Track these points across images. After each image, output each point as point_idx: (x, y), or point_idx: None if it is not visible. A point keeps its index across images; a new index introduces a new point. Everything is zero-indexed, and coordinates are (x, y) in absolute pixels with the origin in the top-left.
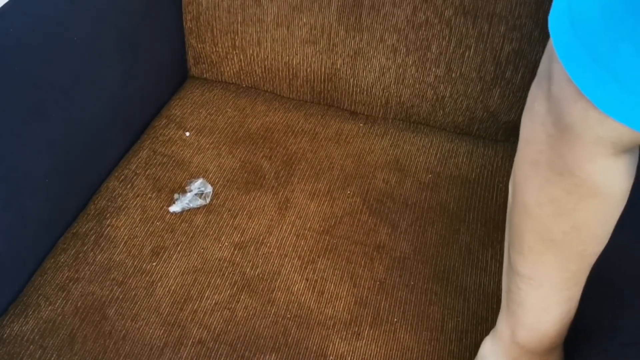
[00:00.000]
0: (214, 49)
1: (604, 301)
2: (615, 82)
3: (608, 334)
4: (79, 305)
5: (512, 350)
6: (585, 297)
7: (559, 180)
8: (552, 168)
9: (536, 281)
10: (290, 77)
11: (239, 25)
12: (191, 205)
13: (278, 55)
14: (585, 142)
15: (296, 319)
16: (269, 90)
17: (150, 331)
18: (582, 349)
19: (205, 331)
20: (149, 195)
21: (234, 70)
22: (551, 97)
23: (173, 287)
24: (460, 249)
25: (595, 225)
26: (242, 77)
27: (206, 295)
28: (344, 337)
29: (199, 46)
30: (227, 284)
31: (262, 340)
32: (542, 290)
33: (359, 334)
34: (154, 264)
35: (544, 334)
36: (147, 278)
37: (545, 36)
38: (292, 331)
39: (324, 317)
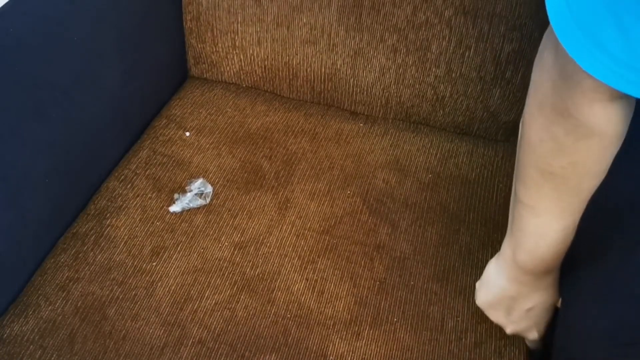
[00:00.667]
0: (214, 49)
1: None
2: (599, 49)
3: (608, 334)
4: (79, 305)
5: (513, 270)
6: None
7: (560, 121)
8: (554, 110)
9: (536, 210)
10: (290, 77)
11: (239, 25)
12: (191, 205)
13: (278, 55)
14: (583, 89)
15: (296, 318)
16: (269, 90)
17: (151, 331)
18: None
19: (206, 331)
20: (149, 195)
21: (234, 70)
22: (558, 50)
23: (173, 287)
24: (460, 249)
25: (590, 163)
26: (242, 77)
27: (206, 295)
28: (344, 337)
29: (199, 46)
30: (227, 284)
31: (262, 340)
32: (541, 218)
33: (359, 334)
34: (154, 264)
35: (540, 257)
36: (147, 278)
37: None
38: (292, 331)
39: (324, 317)
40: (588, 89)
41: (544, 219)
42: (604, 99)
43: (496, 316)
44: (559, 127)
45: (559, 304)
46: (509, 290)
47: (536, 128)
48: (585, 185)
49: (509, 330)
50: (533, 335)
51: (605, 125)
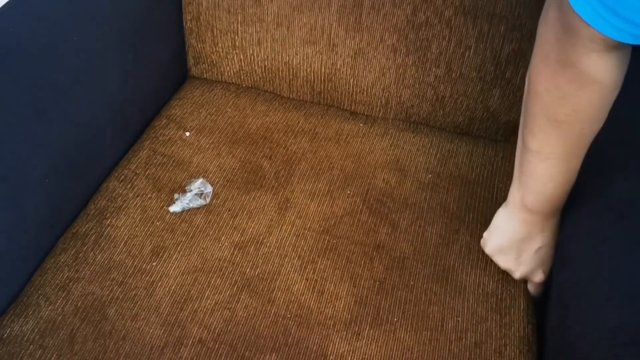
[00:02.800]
0: (214, 49)
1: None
2: (596, 0)
3: (608, 334)
4: (79, 305)
5: (522, 213)
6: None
7: (563, 71)
8: (558, 61)
9: (543, 155)
10: (290, 77)
11: (239, 25)
12: (191, 205)
13: (278, 55)
14: (583, 40)
15: (296, 318)
16: (269, 90)
17: (151, 331)
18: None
19: (206, 331)
20: (149, 195)
21: (234, 70)
22: (562, 6)
23: (173, 287)
24: (460, 249)
25: (591, 109)
26: (242, 77)
27: (206, 295)
28: (344, 336)
29: (199, 46)
30: (227, 283)
31: (262, 340)
32: (548, 162)
33: (359, 334)
34: (154, 264)
35: (548, 197)
36: (147, 278)
37: None
38: (292, 331)
39: (324, 317)
40: (587, 40)
41: (551, 162)
42: (600, 49)
43: (505, 261)
44: (562, 77)
45: None
46: (520, 232)
47: (542, 80)
48: (587, 130)
49: (517, 274)
50: (539, 276)
51: (602, 73)
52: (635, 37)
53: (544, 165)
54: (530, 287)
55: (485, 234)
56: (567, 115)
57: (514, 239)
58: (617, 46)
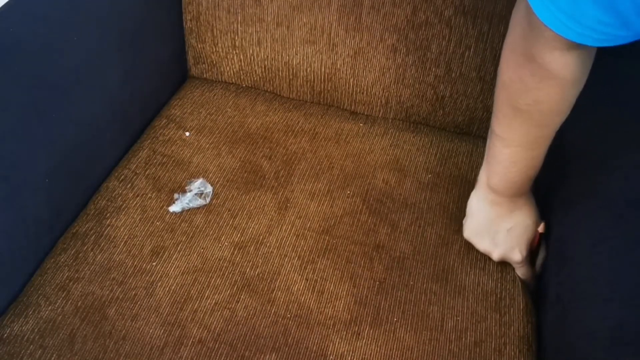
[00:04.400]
0: (214, 49)
1: None
2: (553, 5)
3: (609, 334)
4: (79, 305)
5: (489, 194)
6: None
7: (527, 64)
8: (523, 54)
9: (507, 140)
10: (290, 77)
11: (239, 25)
12: (191, 205)
13: (278, 55)
14: (546, 38)
15: (296, 318)
16: (269, 90)
17: (151, 331)
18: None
19: (206, 331)
20: (149, 195)
21: (234, 70)
22: (528, 5)
23: (173, 287)
24: (460, 249)
25: (551, 102)
26: (242, 77)
27: (206, 295)
28: (343, 336)
29: (199, 46)
30: (227, 283)
31: (262, 340)
32: (511, 148)
33: (359, 334)
34: (154, 263)
35: (511, 180)
36: (147, 278)
37: None
38: (292, 331)
39: (323, 316)
40: (549, 38)
41: (513, 149)
42: (562, 48)
43: (483, 244)
44: (525, 69)
45: (541, 229)
46: (490, 212)
47: (508, 70)
48: (548, 121)
49: (495, 255)
50: (517, 256)
51: (563, 70)
52: (597, 41)
53: (507, 151)
54: (518, 271)
55: (464, 220)
56: (528, 105)
57: (486, 221)
58: (579, 45)
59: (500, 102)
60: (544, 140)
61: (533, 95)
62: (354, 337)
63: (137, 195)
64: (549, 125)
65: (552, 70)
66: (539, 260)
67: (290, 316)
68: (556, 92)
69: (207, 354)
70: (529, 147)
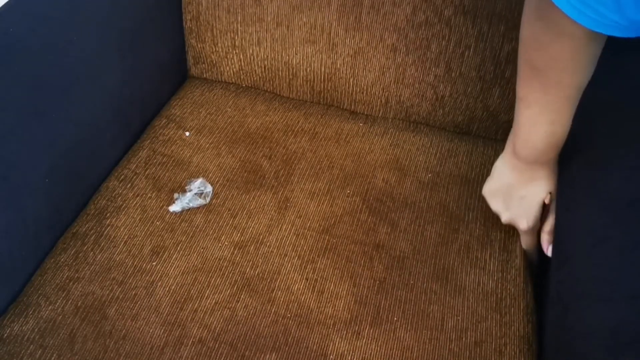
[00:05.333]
0: (214, 49)
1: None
2: None
3: (609, 334)
4: (79, 305)
5: (513, 159)
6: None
7: (540, 20)
8: (536, 10)
9: (527, 101)
10: (290, 76)
11: (239, 25)
12: (191, 204)
13: (278, 55)
14: None
15: (296, 318)
16: (268, 90)
17: (151, 331)
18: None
19: (206, 330)
20: (149, 195)
21: (234, 70)
22: None
23: (173, 287)
24: (460, 248)
25: (566, 60)
26: (242, 77)
27: (206, 294)
28: (344, 336)
29: (199, 46)
30: (227, 283)
31: (262, 340)
32: (531, 109)
33: (359, 333)
34: (154, 263)
35: (531, 145)
36: (147, 278)
37: None
38: (292, 330)
39: (324, 316)
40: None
41: (533, 110)
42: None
43: (496, 203)
44: (539, 26)
45: (547, 200)
46: (509, 178)
47: (524, 26)
48: (565, 80)
49: (504, 217)
50: (523, 224)
51: (574, 26)
52: (592, 21)
53: (527, 112)
54: (522, 239)
55: (487, 179)
56: (544, 63)
57: (503, 184)
58: None
59: (520, 62)
60: (564, 102)
61: (548, 53)
62: (354, 337)
63: (137, 195)
64: (567, 86)
65: (563, 26)
66: (547, 227)
67: (291, 316)
68: (570, 49)
69: (207, 353)
70: (548, 108)
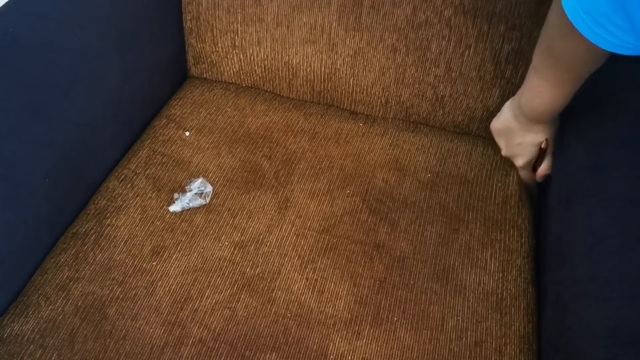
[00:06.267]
0: (214, 49)
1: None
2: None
3: (609, 333)
4: (79, 304)
5: (516, 109)
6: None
7: (564, 16)
8: (563, 21)
9: (539, 72)
10: (290, 76)
11: (239, 25)
12: (191, 204)
13: (278, 55)
14: None
15: (296, 318)
16: (268, 90)
17: (151, 330)
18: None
19: (206, 330)
20: (149, 194)
21: (234, 70)
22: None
23: (173, 287)
24: (460, 248)
25: (579, 53)
26: (242, 77)
27: (206, 294)
28: (344, 336)
29: (199, 46)
30: (227, 283)
31: (262, 340)
32: (540, 80)
33: (359, 333)
34: (154, 263)
35: (533, 107)
36: (147, 277)
37: None
38: (293, 330)
39: (324, 316)
40: None
41: (541, 81)
42: None
43: (498, 140)
44: (563, 19)
45: (543, 145)
46: (511, 123)
47: (553, 14)
48: (575, 67)
49: (503, 152)
50: (518, 162)
51: (589, 43)
52: (608, 43)
53: (536, 81)
54: (520, 172)
55: (497, 115)
56: (561, 49)
57: (506, 127)
58: None
59: (541, 39)
60: (569, 82)
61: (565, 43)
62: (354, 337)
63: (137, 195)
64: (575, 71)
65: (582, 40)
66: (543, 166)
67: (291, 315)
68: (585, 46)
69: (208, 353)
70: (554, 84)
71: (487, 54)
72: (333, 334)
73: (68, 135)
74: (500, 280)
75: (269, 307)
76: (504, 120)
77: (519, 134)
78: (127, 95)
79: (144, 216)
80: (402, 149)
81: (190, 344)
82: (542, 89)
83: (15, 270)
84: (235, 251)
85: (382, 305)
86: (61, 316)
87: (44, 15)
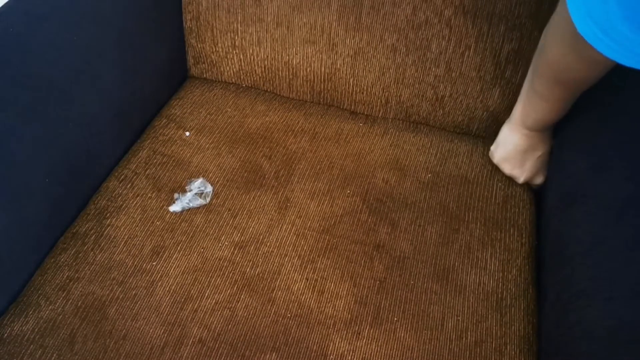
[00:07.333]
0: (214, 49)
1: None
2: (590, 20)
3: (609, 333)
4: (79, 304)
5: (521, 129)
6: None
7: (574, 53)
8: (571, 46)
9: (545, 97)
10: (290, 77)
11: (239, 25)
12: (191, 204)
13: (278, 55)
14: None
15: (296, 318)
16: (268, 90)
17: (151, 330)
18: (583, 347)
19: (206, 330)
20: (149, 195)
21: (234, 70)
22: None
23: (173, 287)
24: (460, 248)
25: (588, 78)
26: (242, 77)
27: (206, 294)
28: (344, 336)
29: (199, 46)
30: (227, 283)
31: (262, 340)
32: (547, 103)
33: (359, 333)
34: (154, 263)
35: (542, 121)
36: (147, 277)
37: None
38: (293, 330)
39: (324, 316)
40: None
41: (548, 103)
42: None
43: (511, 168)
44: (573, 57)
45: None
46: (522, 144)
47: (555, 51)
48: (581, 88)
49: (522, 179)
50: (541, 179)
51: (603, 59)
52: (627, 59)
53: (542, 104)
54: (533, 186)
55: (492, 147)
56: (567, 79)
57: (518, 150)
58: None
59: (543, 71)
60: (573, 98)
61: (574, 74)
62: (354, 337)
63: (137, 195)
64: (579, 90)
65: (594, 59)
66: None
67: (291, 316)
68: (590, 69)
69: (207, 353)
70: (561, 103)
71: (487, 54)
72: (333, 334)
73: (68, 135)
74: (500, 280)
75: (269, 307)
76: (511, 144)
77: (536, 149)
78: (127, 95)
79: (144, 216)
80: (402, 149)
81: (190, 344)
82: (548, 109)
83: (15, 270)
84: (235, 251)
85: (382, 306)
86: (61, 316)
87: (44, 15)
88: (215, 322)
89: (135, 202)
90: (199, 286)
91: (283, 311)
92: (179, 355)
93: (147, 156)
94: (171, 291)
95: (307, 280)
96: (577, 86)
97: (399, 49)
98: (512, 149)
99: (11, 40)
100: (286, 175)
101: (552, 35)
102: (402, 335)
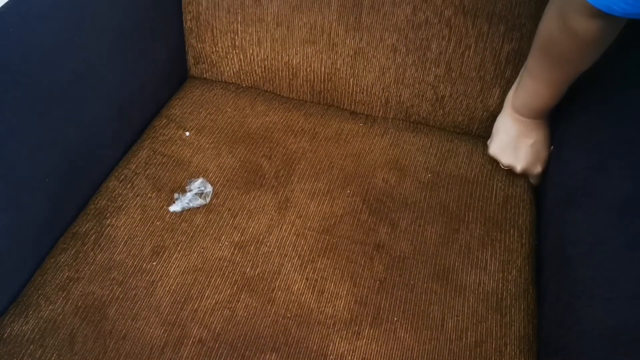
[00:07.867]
0: (214, 49)
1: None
2: None
3: (609, 333)
4: (79, 304)
5: (513, 113)
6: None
7: (559, 22)
8: (557, 12)
9: (535, 75)
10: (290, 77)
11: (239, 25)
12: (191, 204)
13: (278, 55)
14: (578, 4)
15: (296, 318)
16: (268, 90)
17: (151, 331)
18: (583, 347)
19: (206, 331)
20: (149, 195)
21: (234, 70)
22: None
23: (173, 287)
24: (460, 248)
25: (573, 55)
26: (242, 77)
27: (206, 294)
28: (344, 336)
29: (199, 46)
30: (227, 283)
31: (262, 340)
32: (536, 82)
33: (359, 333)
34: (154, 263)
35: (531, 106)
36: (148, 277)
37: None
38: (293, 330)
39: (324, 316)
40: (580, 4)
41: (537, 83)
42: (589, 14)
43: (507, 158)
44: (557, 26)
45: (551, 149)
46: (514, 130)
47: (544, 20)
48: (570, 67)
49: (519, 168)
50: (537, 169)
51: (586, 33)
52: (622, 10)
53: (532, 84)
54: (532, 180)
55: (488, 141)
56: (556, 53)
57: (510, 137)
58: (604, 14)
59: (536, 44)
60: (564, 81)
61: (559, 47)
62: (354, 337)
63: (137, 195)
64: (569, 70)
65: (577, 32)
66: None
67: (291, 316)
68: (578, 49)
69: (207, 353)
70: (550, 84)
71: (487, 54)
72: (333, 334)
73: (68, 135)
74: (500, 281)
75: (268, 307)
76: (505, 133)
77: (527, 136)
78: (127, 95)
79: (144, 216)
80: (402, 149)
81: (190, 344)
82: (538, 90)
83: (15, 270)
84: (235, 251)
85: (382, 306)
86: (61, 316)
87: (44, 15)
88: (215, 322)
89: (135, 202)
90: (199, 286)
91: (283, 311)
92: (179, 355)
93: (147, 156)
94: (171, 291)
95: (307, 280)
96: (568, 66)
97: (399, 49)
98: (504, 135)
99: (11, 40)
100: (286, 175)
101: (548, 10)
102: (402, 335)
